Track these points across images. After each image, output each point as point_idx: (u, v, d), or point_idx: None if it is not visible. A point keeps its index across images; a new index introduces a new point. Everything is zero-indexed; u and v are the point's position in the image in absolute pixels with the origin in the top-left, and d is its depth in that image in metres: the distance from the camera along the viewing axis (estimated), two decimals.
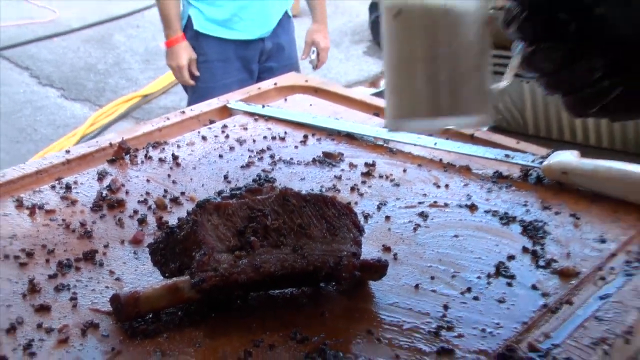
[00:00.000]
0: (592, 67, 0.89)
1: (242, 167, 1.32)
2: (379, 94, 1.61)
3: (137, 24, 8.81)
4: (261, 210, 0.97)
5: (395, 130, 1.03)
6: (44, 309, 0.98)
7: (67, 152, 1.33)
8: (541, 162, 1.31)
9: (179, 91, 7.02)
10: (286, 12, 3.99)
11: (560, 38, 0.91)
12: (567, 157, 1.29)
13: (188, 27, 3.95)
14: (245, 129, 1.44)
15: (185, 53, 3.88)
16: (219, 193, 1.13)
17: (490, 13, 0.97)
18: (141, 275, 1.05)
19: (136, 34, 8.46)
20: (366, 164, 1.34)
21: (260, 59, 4.02)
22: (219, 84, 3.80)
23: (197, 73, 3.91)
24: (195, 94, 3.96)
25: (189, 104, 4.04)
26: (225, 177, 1.28)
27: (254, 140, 1.40)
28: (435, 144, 1.39)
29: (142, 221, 1.16)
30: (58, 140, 6.25)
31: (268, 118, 1.47)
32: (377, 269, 1.02)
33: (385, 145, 1.41)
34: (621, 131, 1.61)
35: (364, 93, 1.57)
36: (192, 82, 3.93)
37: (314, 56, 4.23)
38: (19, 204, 1.20)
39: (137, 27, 8.74)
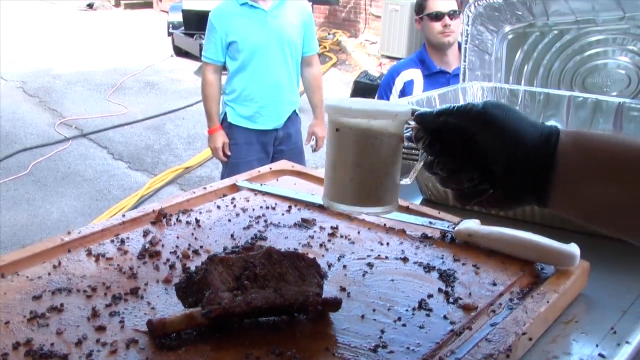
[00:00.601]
0: (470, 177, 0.92)
1: (244, 228, 1.33)
2: None
3: (183, 116, 8.88)
4: (252, 262, 0.99)
5: (327, 207, 1.04)
6: (101, 329, 0.99)
7: (123, 216, 1.33)
8: (454, 228, 1.33)
9: (210, 164, 7.07)
10: (294, 111, 4.06)
11: (451, 155, 0.94)
12: (472, 224, 1.31)
13: (224, 120, 4.06)
14: (248, 200, 1.45)
15: (221, 138, 3.98)
16: (224, 249, 1.15)
17: (404, 133, 0.99)
18: (169, 306, 1.06)
19: (181, 124, 8.52)
20: (331, 227, 1.35)
21: (275, 143, 4.11)
22: (243, 161, 3.88)
23: (229, 153, 4.00)
24: (228, 167, 4.05)
25: (222, 174, 4.09)
26: (232, 235, 1.30)
27: (253, 209, 1.41)
28: None
29: (172, 267, 1.18)
30: (125, 199, 6.25)
31: (264, 193, 1.48)
32: (334, 304, 1.04)
33: (346, 214, 1.42)
34: None
35: None
36: (225, 159, 4.02)
37: (313, 142, 4.30)
38: (89, 253, 1.21)
39: (182, 119, 8.81)
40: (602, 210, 0.90)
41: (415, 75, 3.46)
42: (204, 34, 11.48)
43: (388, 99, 3.45)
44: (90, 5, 18.52)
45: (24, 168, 6.86)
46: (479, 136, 0.91)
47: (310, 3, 12.34)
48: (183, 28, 11.76)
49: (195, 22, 11.39)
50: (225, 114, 4.02)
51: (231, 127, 3.96)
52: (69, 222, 5.60)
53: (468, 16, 2.16)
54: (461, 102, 2.04)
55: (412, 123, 0.97)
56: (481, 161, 0.93)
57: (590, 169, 0.89)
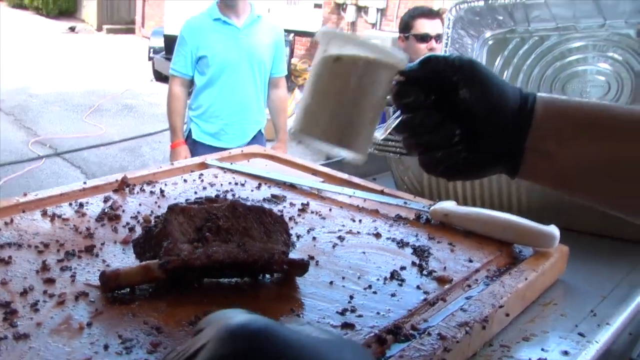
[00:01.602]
0: (451, 133, 0.87)
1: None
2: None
3: (160, 140, 8.82)
4: (215, 214, 0.92)
5: (295, 139, 0.96)
6: (50, 281, 0.92)
7: (84, 183, 1.26)
8: (429, 208, 1.28)
9: None
10: (260, 130, 4.00)
11: (432, 109, 0.89)
12: (448, 204, 1.26)
13: (188, 137, 3.97)
14: (216, 177, 1.39)
15: (184, 152, 3.90)
16: (186, 200, 1.08)
17: (395, 78, 0.93)
18: (125, 264, 0.99)
19: (158, 147, 8.47)
20: (302, 204, 1.29)
21: None
22: None
23: None
24: None
25: None
26: None
27: (222, 185, 1.35)
28: (354, 192, 1.35)
29: (131, 229, 1.11)
30: None
31: (234, 171, 1.42)
32: (301, 266, 0.98)
33: (317, 193, 1.37)
34: (489, 192, 1.59)
35: (305, 161, 1.53)
36: None
37: None
38: (44, 213, 1.14)
39: (159, 142, 8.76)
40: (579, 172, 0.86)
41: None
42: None
43: None
44: (72, 29, 18.49)
45: None
46: (463, 87, 0.87)
47: (292, 34, 12.43)
48: (164, 52, 11.74)
49: None
50: (190, 130, 3.95)
51: (195, 144, 3.88)
52: None
53: (449, 19, 2.13)
54: None
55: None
56: (462, 116, 0.88)
57: (564, 127, 0.86)
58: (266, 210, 0.97)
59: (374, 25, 13.03)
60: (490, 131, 0.87)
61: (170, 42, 11.55)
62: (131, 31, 18.30)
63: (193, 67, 3.86)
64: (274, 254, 0.93)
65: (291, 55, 11.77)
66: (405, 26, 3.46)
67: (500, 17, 2.11)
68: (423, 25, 3.39)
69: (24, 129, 8.99)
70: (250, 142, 3.91)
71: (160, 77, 12.01)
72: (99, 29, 18.80)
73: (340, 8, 13.36)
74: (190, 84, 3.96)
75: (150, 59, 12.26)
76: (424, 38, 3.36)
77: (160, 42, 11.86)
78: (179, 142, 3.88)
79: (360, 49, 0.91)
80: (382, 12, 12.99)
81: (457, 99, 0.87)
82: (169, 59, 11.45)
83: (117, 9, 18.77)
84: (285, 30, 13.46)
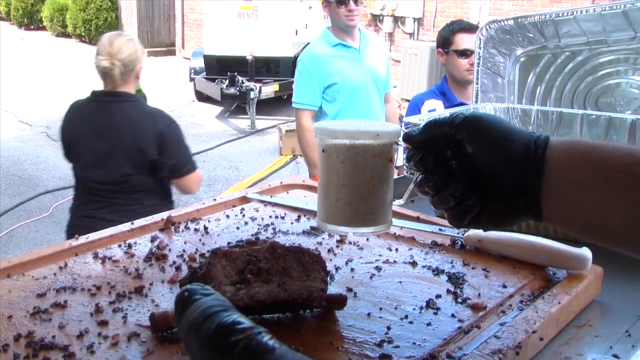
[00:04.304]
0: (452, 192, 0.90)
1: (252, 235, 1.32)
2: None
3: (204, 159, 8.94)
4: (256, 256, 0.97)
5: (319, 227, 1.05)
6: (103, 323, 0.98)
7: (132, 223, 1.33)
8: (464, 234, 1.31)
9: None
10: None
11: (441, 170, 0.93)
12: (481, 230, 1.29)
13: None
14: (257, 211, 1.45)
15: None
16: (228, 244, 1.13)
17: (392, 151, 0.99)
18: (173, 303, 1.04)
19: (202, 167, 8.47)
20: (340, 235, 1.33)
21: None
22: None
23: None
24: None
25: None
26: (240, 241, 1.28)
27: (262, 218, 1.40)
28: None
29: (177, 268, 1.17)
30: None
31: (274, 204, 1.47)
32: (339, 300, 1.02)
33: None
34: None
35: None
36: None
37: None
38: (95, 256, 1.21)
39: (203, 162, 8.88)
40: (599, 219, 0.85)
41: (437, 105, 3.45)
42: (225, 79, 11.54)
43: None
44: None
45: (45, 210, 6.92)
46: (467, 143, 0.89)
47: None
48: (204, 73, 11.91)
49: (217, 67, 11.56)
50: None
51: None
52: None
53: (480, 39, 2.17)
54: None
55: (402, 143, 0.97)
56: (471, 173, 0.91)
57: (582, 174, 0.85)
58: (304, 249, 1.01)
59: (411, 35, 13.05)
60: (499, 183, 0.89)
61: (210, 63, 11.76)
62: (172, 53, 18.60)
63: (321, 97, 3.84)
64: (313, 291, 0.98)
65: None
66: (445, 41, 3.48)
67: (531, 34, 2.14)
68: (463, 41, 3.40)
69: None
70: None
71: (202, 97, 12.19)
72: None
73: (377, 19, 13.40)
74: (316, 114, 3.92)
75: (191, 79, 12.44)
76: (465, 53, 3.38)
77: (200, 63, 12.04)
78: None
79: (339, 137, 0.97)
80: (418, 21, 13.00)
81: (464, 154, 0.91)
82: (210, 79, 11.65)
83: (157, 32, 19.09)
84: None
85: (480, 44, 2.17)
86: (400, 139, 0.98)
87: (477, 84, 2.19)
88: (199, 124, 10.84)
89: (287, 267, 0.98)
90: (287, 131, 9.11)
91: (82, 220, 3.14)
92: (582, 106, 2.09)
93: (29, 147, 9.51)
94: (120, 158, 3.06)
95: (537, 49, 2.17)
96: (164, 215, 1.37)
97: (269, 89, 10.92)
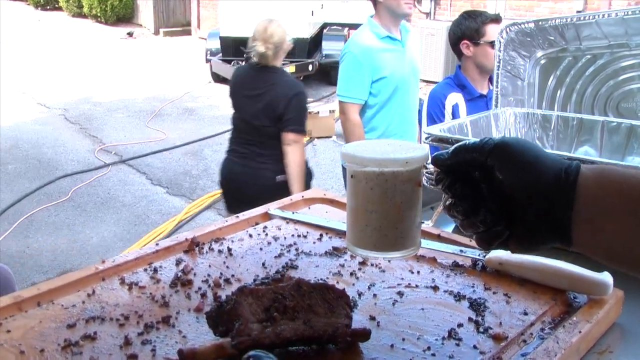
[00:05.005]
0: (483, 219, 0.91)
1: (275, 257, 1.33)
2: None
3: (220, 142, 8.97)
4: (282, 294, 0.99)
5: (350, 251, 1.06)
6: (133, 357, 1.00)
7: (157, 244, 1.35)
8: (485, 256, 1.32)
9: None
10: None
11: (470, 195, 0.93)
12: (502, 252, 1.30)
13: None
14: (280, 229, 1.46)
15: None
16: (254, 280, 1.15)
17: (421, 175, 0.99)
18: (200, 334, 1.06)
19: (219, 149, 8.60)
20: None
21: None
22: None
23: None
24: None
25: None
26: (263, 264, 1.30)
27: (285, 238, 1.42)
28: None
29: (203, 295, 1.18)
30: (163, 224, 6.31)
31: (296, 221, 1.49)
32: (363, 334, 1.04)
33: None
34: None
35: None
36: None
37: None
38: (122, 282, 1.23)
39: (220, 144, 8.90)
40: (628, 248, 0.86)
41: (458, 99, 3.43)
42: (241, 60, 11.51)
43: (442, 122, 3.39)
44: (130, 34, 18.86)
45: (65, 194, 6.99)
46: (497, 170, 0.90)
47: (347, 28, 12.38)
48: (221, 55, 11.90)
49: (233, 48, 11.54)
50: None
51: None
52: (108, 247, 5.68)
53: (500, 42, 2.16)
54: (493, 128, 2.03)
55: (430, 166, 0.97)
56: (500, 198, 0.92)
57: (613, 203, 0.86)
58: (329, 286, 1.03)
59: (427, 14, 12.95)
60: (529, 209, 0.90)
61: (226, 44, 11.74)
62: (187, 32, 18.59)
63: (369, 91, 3.79)
64: (338, 327, 0.99)
65: None
66: (476, 33, 3.43)
67: (552, 37, 2.13)
68: (494, 32, 3.36)
69: (90, 138, 9.27)
70: None
71: (218, 78, 12.20)
72: (156, 32, 19.13)
73: None
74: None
75: (207, 61, 12.44)
76: None
77: (216, 44, 12.03)
78: None
79: (368, 165, 0.98)
80: (435, 1, 12.89)
81: (493, 180, 0.91)
82: (226, 61, 11.63)
83: (172, 12, 19.07)
84: (340, 25, 13.46)
85: (500, 47, 2.16)
86: (429, 163, 0.99)
87: (497, 87, 2.18)
88: (216, 105, 10.86)
89: (313, 304, 1.00)
90: None
91: (232, 154, 4.20)
92: (603, 111, 2.09)
93: (48, 130, 9.59)
94: (262, 112, 3.98)
95: (558, 52, 2.16)
96: (188, 234, 1.39)
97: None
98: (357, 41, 3.87)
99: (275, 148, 3.98)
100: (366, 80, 3.75)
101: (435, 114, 3.43)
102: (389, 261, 1.32)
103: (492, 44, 3.36)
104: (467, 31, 3.47)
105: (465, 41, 3.48)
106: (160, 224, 6.18)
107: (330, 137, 8.88)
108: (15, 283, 1.97)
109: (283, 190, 3.76)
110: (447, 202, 0.97)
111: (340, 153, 1.02)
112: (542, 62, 2.19)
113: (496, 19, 3.44)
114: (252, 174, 4.04)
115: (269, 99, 3.96)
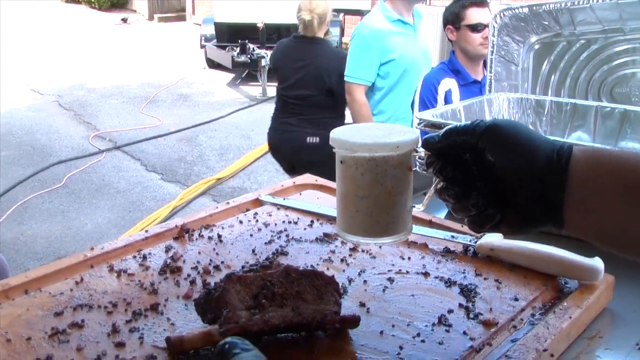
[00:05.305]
0: (475, 202, 0.90)
1: (265, 243, 1.33)
2: None
3: (215, 128, 8.94)
4: (270, 281, 0.99)
5: (340, 236, 1.04)
6: (120, 345, 1.00)
7: (146, 231, 1.34)
8: (476, 242, 1.32)
9: (242, 175, 7.10)
10: None
11: (461, 178, 0.92)
12: (494, 238, 1.30)
13: None
14: (270, 215, 1.46)
15: None
16: (242, 267, 1.14)
17: (412, 159, 0.98)
18: (188, 322, 1.06)
19: (214, 135, 8.59)
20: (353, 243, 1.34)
21: None
22: None
23: None
24: None
25: None
26: (253, 250, 1.30)
27: (275, 224, 1.41)
28: None
29: (192, 282, 1.18)
30: (158, 210, 6.29)
31: (287, 207, 1.48)
32: (352, 321, 1.03)
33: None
34: None
35: None
36: None
37: None
38: (111, 269, 1.22)
39: (215, 130, 8.88)
40: (620, 231, 0.86)
41: (452, 84, 3.41)
42: (236, 46, 11.49)
43: (434, 108, 3.38)
44: (124, 20, 18.77)
45: (59, 180, 6.96)
46: (489, 153, 0.89)
47: (342, 13, 12.31)
48: (215, 40, 11.85)
49: (227, 34, 11.50)
50: None
51: None
52: (102, 234, 5.67)
53: (494, 27, 2.15)
54: (487, 114, 2.02)
55: (421, 150, 0.96)
56: (492, 181, 0.91)
57: (604, 184, 0.85)
58: (317, 272, 1.02)
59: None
60: (520, 192, 0.89)
61: (221, 30, 11.69)
62: (182, 18, 18.51)
63: (376, 73, 3.84)
64: (327, 314, 0.99)
65: (342, 34, 11.75)
66: (456, 17, 3.43)
67: (546, 22, 2.12)
68: (475, 15, 3.36)
69: (84, 124, 9.23)
70: None
71: (213, 64, 12.15)
72: (151, 18, 19.05)
73: None
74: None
75: (202, 47, 12.39)
76: (477, 28, 3.34)
77: (211, 30, 11.97)
78: None
79: (358, 150, 0.96)
80: None
81: (485, 163, 0.90)
82: (221, 47, 11.58)
83: None
84: (335, 10, 13.37)
85: (494, 32, 2.15)
86: (420, 146, 0.97)
87: (490, 72, 2.17)
88: (210, 91, 10.83)
89: (301, 290, 0.99)
90: None
91: (279, 124, 4.52)
92: (597, 96, 2.08)
93: (41, 116, 9.55)
94: (307, 82, 4.34)
95: (552, 37, 2.15)
96: (178, 221, 1.38)
97: None
98: (367, 23, 3.93)
99: (317, 114, 4.32)
100: (374, 62, 3.79)
101: (427, 99, 3.42)
102: (380, 247, 1.32)
103: (471, 27, 3.35)
104: (449, 16, 3.48)
105: (449, 26, 3.48)
106: (154, 211, 6.16)
107: None
108: (9, 271, 1.96)
109: (318, 150, 4.23)
110: (439, 186, 0.96)
111: (332, 139, 1.00)
112: (536, 47, 2.18)
113: (477, 3, 3.42)
114: (296, 139, 4.40)
115: (314, 69, 4.29)
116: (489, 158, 0.89)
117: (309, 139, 4.33)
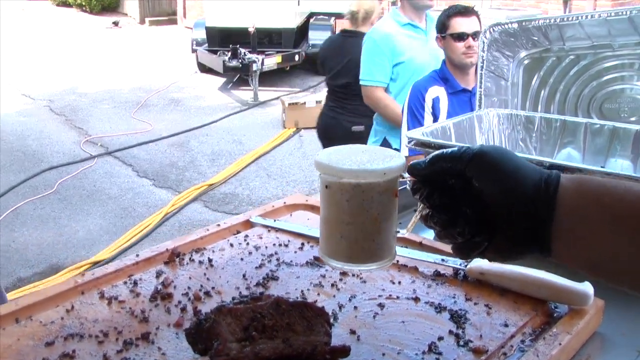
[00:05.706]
0: (461, 231, 0.90)
1: (256, 267, 1.33)
2: None
3: (207, 133, 8.93)
4: (260, 312, 0.99)
5: (323, 261, 1.03)
6: None
7: (137, 255, 1.34)
8: (466, 265, 1.32)
9: (234, 181, 7.09)
10: None
11: (448, 206, 0.92)
12: (484, 262, 1.30)
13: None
14: (261, 237, 1.46)
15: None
16: (233, 299, 1.14)
17: (398, 184, 0.97)
18: (179, 351, 1.06)
19: (205, 140, 8.58)
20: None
21: None
22: None
23: None
24: None
25: None
26: (244, 275, 1.30)
27: (266, 247, 1.41)
28: None
29: (183, 309, 1.18)
30: (149, 216, 6.29)
31: (277, 229, 1.48)
32: (342, 351, 1.03)
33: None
34: None
35: None
36: None
37: None
38: (102, 296, 1.22)
39: (206, 135, 8.87)
40: (608, 260, 0.86)
41: (440, 92, 3.43)
42: (227, 51, 11.48)
43: (422, 116, 3.38)
44: (115, 23, 18.73)
45: (50, 187, 6.95)
46: (476, 180, 0.89)
47: (333, 17, 12.32)
48: (207, 45, 11.85)
49: (219, 38, 11.49)
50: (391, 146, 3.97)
51: None
52: (94, 240, 5.66)
53: (483, 42, 2.15)
54: (477, 130, 2.02)
55: (407, 175, 0.96)
56: (479, 208, 0.91)
57: (592, 213, 0.85)
58: (307, 304, 1.03)
59: None
60: (508, 219, 0.89)
61: (212, 34, 11.68)
62: (173, 22, 18.48)
63: (390, 74, 3.98)
64: (317, 345, 0.99)
65: None
66: (442, 26, 3.48)
67: (535, 37, 2.13)
68: (459, 24, 3.41)
69: (75, 129, 9.21)
70: None
71: (204, 69, 12.13)
72: (142, 21, 19.01)
73: None
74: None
75: (193, 51, 12.37)
76: (461, 37, 3.38)
77: (202, 34, 11.97)
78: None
79: (344, 177, 0.95)
80: None
81: (472, 190, 0.90)
82: (212, 52, 11.57)
83: (158, 1, 18.94)
84: (326, 14, 13.42)
85: (483, 47, 2.16)
86: (406, 173, 0.97)
87: (480, 87, 2.18)
88: (201, 96, 10.81)
89: (292, 322, 0.99)
90: (290, 104, 9.08)
91: (329, 110, 4.98)
92: (586, 111, 2.09)
93: (32, 121, 9.52)
94: (349, 72, 4.59)
95: (541, 52, 2.15)
96: (168, 244, 1.38)
97: (272, 61, 10.87)
98: (378, 28, 4.11)
99: (358, 102, 4.45)
100: (387, 64, 3.95)
101: (415, 106, 3.44)
102: (370, 271, 1.32)
103: (454, 36, 3.38)
104: (438, 25, 3.53)
105: (437, 35, 3.53)
106: (146, 217, 6.15)
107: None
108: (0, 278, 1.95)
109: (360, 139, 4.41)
110: (424, 212, 0.96)
111: (314, 161, 0.98)
112: (526, 62, 2.19)
113: (462, 12, 3.45)
114: (342, 125, 4.74)
115: (354, 60, 4.42)
116: (477, 185, 0.89)
117: (354, 128, 4.65)
